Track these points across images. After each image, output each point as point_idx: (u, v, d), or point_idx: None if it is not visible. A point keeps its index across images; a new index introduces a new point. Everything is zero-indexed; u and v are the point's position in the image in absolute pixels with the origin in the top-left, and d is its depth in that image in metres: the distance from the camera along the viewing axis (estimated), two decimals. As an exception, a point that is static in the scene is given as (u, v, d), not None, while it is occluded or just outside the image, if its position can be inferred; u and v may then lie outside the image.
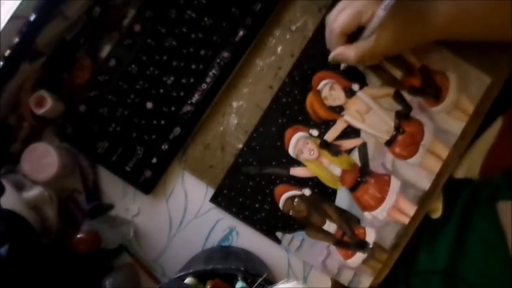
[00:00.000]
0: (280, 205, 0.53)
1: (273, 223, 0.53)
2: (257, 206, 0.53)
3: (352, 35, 0.46)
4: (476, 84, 0.52)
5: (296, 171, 0.53)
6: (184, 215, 0.55)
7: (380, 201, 0.52)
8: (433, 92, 0.52)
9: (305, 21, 0.53)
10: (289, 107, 0.53)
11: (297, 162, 0.53)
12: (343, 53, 0.46)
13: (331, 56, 0.48)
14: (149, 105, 0.53)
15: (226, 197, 0.53)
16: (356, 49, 0.46)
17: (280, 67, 0.54)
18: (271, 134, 0.53)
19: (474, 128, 0.52)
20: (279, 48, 0.54)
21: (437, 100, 0.52)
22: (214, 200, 0.53)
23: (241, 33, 0.52)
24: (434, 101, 0.52)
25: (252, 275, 0.46)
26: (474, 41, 0.49)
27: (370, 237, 0.52)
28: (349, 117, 0.53)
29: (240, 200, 0.53)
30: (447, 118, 0.52)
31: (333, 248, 0.53)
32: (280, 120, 0.53)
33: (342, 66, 0.52)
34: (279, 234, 0.53)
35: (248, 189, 0.53)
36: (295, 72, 0.53)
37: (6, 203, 0.46)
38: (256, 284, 0.43)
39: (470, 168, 0.53)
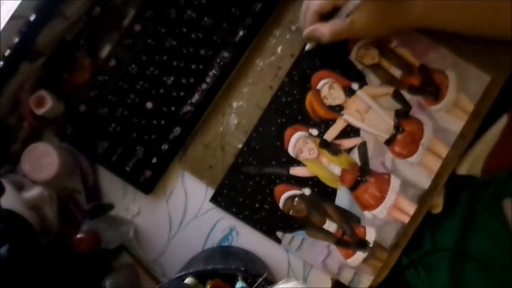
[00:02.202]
0: (280, 205, 0.53)
1: (273, 223, 0.53)
2: (257, 205, 0.53)
3: (326, 15, 0.48)
4: (475, 82, 0.52)
5: (296, 171, 0.53)
6: (184, 215, 0.55)
7: (380, 200, 0.52)
8: (432, 90, 0.52)
9: (305, 21, 0.53)
10: (289, 106, 0.53)
11: (297, 162, 0.53)
12: (318, 29, 0.48)
13: (306, 31, 0.49)
14: (149, 105, 0.53)
15: (226, 197, 0.53)
16: (331, 26, 0.47)
17: (280, 67, 0.54)
18: (270, 134, 0.53)
19: (474, 127, 0.52)
20: (279, 48, 0.54)
21: (436, 99, 0.52)
22: (214, 200, 0.53)
23: (241, 33, 0.52)
24: (433, 99, 0.52)
25: (252, 275, 0.45)
26: (473, 39, 0.49)
27: (371, 236, 0.52)
28: (349, 117, 0.53)
29: (240, 200, 0.53)
30: (447, 117, 0.52)
31: (333, 247, 0.53)
32: (279, 120, 0.53)
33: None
34: (279, 234, 0.53)
35: (248, 189, 0.53)
36: (294, 71, 0.53)
37: (6, 203, 0.46)
38: (256, 284, 0.43)
39: (473, 165, 0.53)
